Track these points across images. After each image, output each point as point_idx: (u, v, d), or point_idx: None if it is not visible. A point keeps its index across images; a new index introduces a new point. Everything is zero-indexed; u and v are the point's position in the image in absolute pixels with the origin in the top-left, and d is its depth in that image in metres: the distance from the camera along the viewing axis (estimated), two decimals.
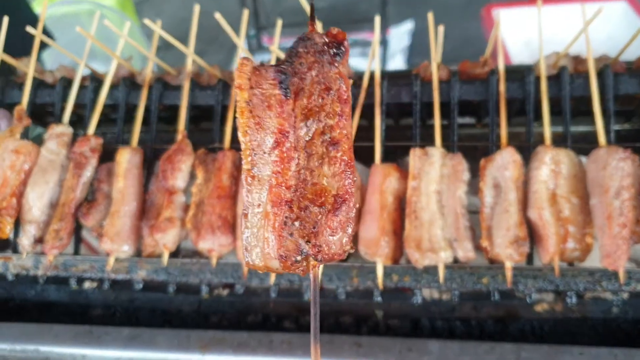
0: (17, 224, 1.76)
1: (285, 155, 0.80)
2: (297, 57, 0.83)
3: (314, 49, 0.83)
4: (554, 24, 2.86)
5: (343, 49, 0.84)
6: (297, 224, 0.79)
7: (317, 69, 0.83)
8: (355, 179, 0.84)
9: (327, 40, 0.83)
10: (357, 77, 1.80)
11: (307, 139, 0.83)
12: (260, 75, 0.82)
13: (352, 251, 0.85)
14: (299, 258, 0.78)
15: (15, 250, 1.79)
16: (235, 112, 1.67)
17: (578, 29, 1.59)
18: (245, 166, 0.80)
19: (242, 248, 0.81)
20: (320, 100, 0.83)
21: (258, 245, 0.80)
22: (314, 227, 0.80)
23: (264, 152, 0.81)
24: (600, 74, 1.59)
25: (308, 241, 0.79)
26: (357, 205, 1.59)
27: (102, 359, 1.64)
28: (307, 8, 1.64)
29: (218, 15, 1.56)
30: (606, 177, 1.42)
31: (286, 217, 0.79)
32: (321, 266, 1.37)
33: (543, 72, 1.61)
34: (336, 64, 0.83)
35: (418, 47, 5.26)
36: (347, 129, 0.84)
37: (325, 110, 0.83)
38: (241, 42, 1.71)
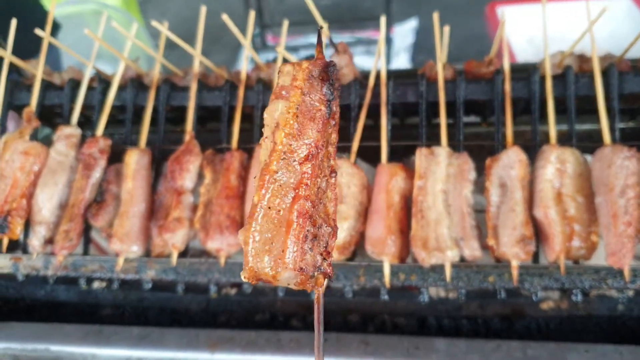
0: (27, 225, 1.77)
1: (316, 170, 0.82)
2: (335, 82, 0.86)
3: (339, 79, 0.87)
4: (558, 21, 2.87)
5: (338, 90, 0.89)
6: (315, 240, 0.80)
7: (336, 104, 0.87)
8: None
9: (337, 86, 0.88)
10: (363, 76, 1.82)
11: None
12: (313, 86, 0.84)
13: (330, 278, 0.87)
14: (315, 273, 0.79)
15: (25, 250, 1.81)
16: (242, 113, 1.68)
17: (582, 25, 1.59)
18: (271, 166, 0.80)
19: (247, 250, 0.78)
20: (332, 127, 0.87)
21: (272, 252, 0.77)
22: (326, 247, 0.82)
23: (294, 160, 0.81)
24: (605, 73, 1.60)
25: (325, 258, 0.80)
26: (365, 205, 1.60)
27: (112, 358, 1.66)
28: (312, 7, 1.65)
29: (225, 17, 1.57)
30: (611, 175, 1.43)
31: (307, 231, 0.79)
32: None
33: (548, 72, 1.62)
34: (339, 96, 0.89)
35: (422, 45, 5.26)
36: (335, 162, 0.89)
37: (332, 137, 0.88)
38: (248, 43, 1.72)
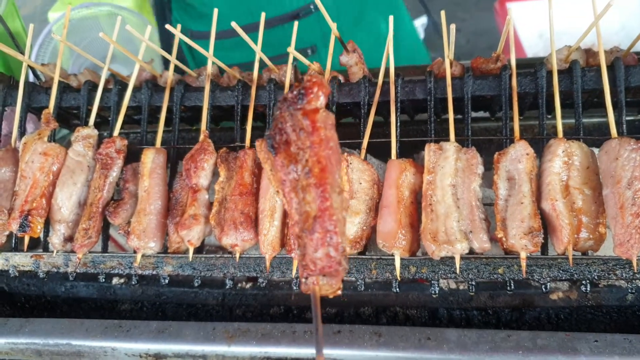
0: (47, 224, 1.82)
1: (288, 198, 0.91)
2: (276, 119, 0.96)
3: (286, 106, 0.95)
4: (568, 16, 2.87)
5: (304, 92, 0.96)
6: (299, 251, 0.88)
7: (290, 119, 0.95)
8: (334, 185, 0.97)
9: (296, 93, 0.96)
10: (372, 74, 1.84)
11: (296, 177, 0.93)
12: (263, 147, 0.94)
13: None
14: (303, 280, 0.87)
15: (45, 248, 1.85)
16: (254, 112, 1.72)
17: (592, 19, 1.61)
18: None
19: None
20: (299, 141, 0.95)
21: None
22: (303, 250, 0.91)
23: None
24: (612, 67, 1.61)
25: (304, 264, 0.89)
26: (376, 200, 1.63)
27: (131, 352, 1.70)
28: (321, 7, 1.68)
29: (234, 24, 1.61)
30: (618, 167, 1.45)
31: (298, 248, 0.90)
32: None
33: (555, 67, 1.64)
34: (299, 106, 0.95)
35: (432, 41, 5.25)
36: (319, 152, 0.96)
37: (303, 147, 0.95)
38: (259, 47, 1.76)
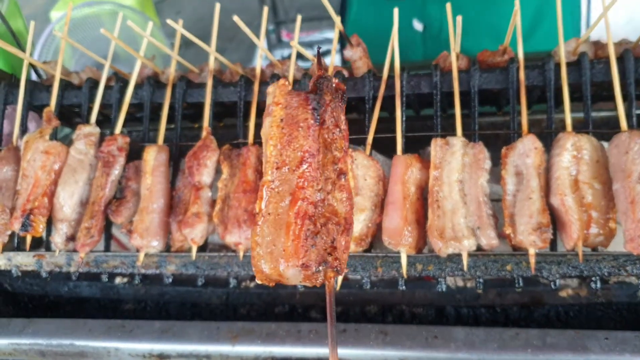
0: (50, 223, 1.81)
1: (311, 174, 0.87)
2: (324, 93, 0.91)
3: (331, 90, 0.92)
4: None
5: (345, 97, 0.95)
6: (317, 237, 0.84)
7: (332, 107, 0.92)
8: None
9: (335, 85, 0.94)
10: (377, 68, 1.82)
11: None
12: (295, 98, 0.91)
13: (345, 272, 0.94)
14: (320, 268, 0.84)
15: (48, 248, 1.84)
16: (257, 108, 1.70)
17: (598, 12, 1.59)
18: (266, 177, 0.86)
19: (254, 254, 0.84)
20: (332, 134, 0.92)
21: (274, 253, 0.83)
22: (332, 242, 0.87)
23: (287, 168, 0.87)
24: (621, 59, 1.59)
25: (330, 253, 0.84)
26: (381, 197, 1.61)
27: (135, 352, 1.69)
28: (325, 2, 1.66)
29: (236, 18, 1.58)
30: (628, 161, 1.42)
31: (308, 230, 0.84)
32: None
33: (563, 59, 1.61)
34: (342, 105, 0.94)
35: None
36: (346, 165, 0.94)
37: (336, 144, 0.92)
38: (261, 43, 1.73)
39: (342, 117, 0.94)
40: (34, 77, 2.14)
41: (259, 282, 0.86)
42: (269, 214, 0.85)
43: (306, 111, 0.89)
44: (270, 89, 0.94)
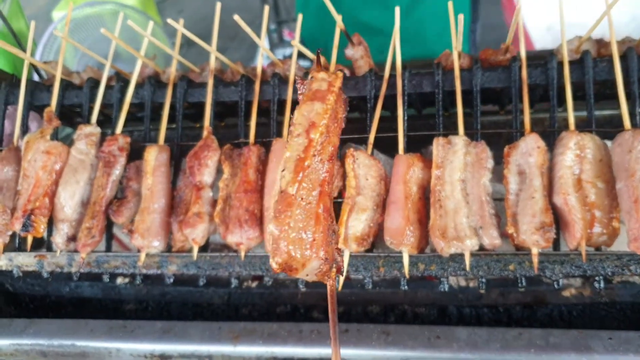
0: (51, 223, 1.80)
1: (331, 172, 0.89)
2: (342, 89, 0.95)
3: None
4: (576, 8, 2.83)
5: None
6: (334, 235, 0.85)
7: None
8: None
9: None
10: (378, 67, 1.81)
11: None
12: (340, 96, 0.94)
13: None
14: (333, 265, 0.84)
15: (49, 248, 1.84)
16: (258, 108, 1.69)
17: (601, 11, 1.58)
18: (306, 161, 0.86)
19: (280, 236, 0.83)
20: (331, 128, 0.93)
21: (304, 241, 0.83)
22: (337, 243, 0.89)
23: (322, 159, 0.88)
24: (624, 57, 1.57)
25: (339, 254, 0.85)
26: (383, 196, 1.60)
27: (136, 352, 1.68)
28: (327, 2, 1.65)
29: (237, 17, 1.58)
30: (632, 160, 1.41)
31: (329, 225, 0.87)
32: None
33: (565, 57, 1.60)
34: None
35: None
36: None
37: (330, 136, 0.93)
38: (262, 42, 1.73)
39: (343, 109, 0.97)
40: (35, 77, 2.13)
41: (275, 264, 0.85)
42: (301, 199, 0.85)
43: (343, 110, 0.89)
44: (322, 74, 0.94)
